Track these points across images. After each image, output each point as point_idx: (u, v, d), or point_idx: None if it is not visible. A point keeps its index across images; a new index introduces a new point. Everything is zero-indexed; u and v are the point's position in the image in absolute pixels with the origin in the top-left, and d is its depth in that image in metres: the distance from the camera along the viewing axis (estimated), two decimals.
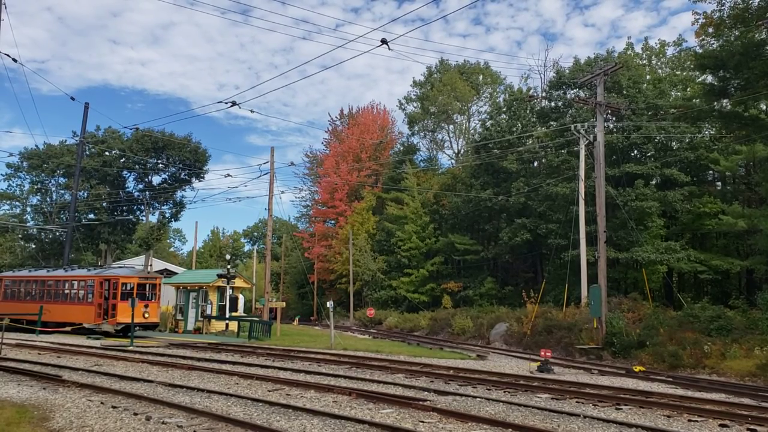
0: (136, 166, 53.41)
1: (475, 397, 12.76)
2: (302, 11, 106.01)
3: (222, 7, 74.09)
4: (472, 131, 62.38)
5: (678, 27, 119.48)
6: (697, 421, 11.04)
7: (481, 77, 65.25)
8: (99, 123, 57.61)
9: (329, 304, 28.42)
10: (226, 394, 12.45)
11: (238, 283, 35.96)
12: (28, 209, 58.73)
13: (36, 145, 55.95)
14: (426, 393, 13.24)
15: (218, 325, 34.12)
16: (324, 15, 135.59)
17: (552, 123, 42.36)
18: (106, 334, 29.65)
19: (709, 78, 29.06)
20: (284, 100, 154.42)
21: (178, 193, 55.84)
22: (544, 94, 46.56)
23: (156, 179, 56.14)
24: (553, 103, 44.10)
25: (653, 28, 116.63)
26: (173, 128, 57.30)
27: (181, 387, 13.43)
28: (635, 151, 37.48)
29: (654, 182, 36.10)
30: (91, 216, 52.83)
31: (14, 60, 24.20)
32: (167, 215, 56.50)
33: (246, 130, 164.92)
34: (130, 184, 56.57)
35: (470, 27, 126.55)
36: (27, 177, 57.44)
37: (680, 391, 15.12)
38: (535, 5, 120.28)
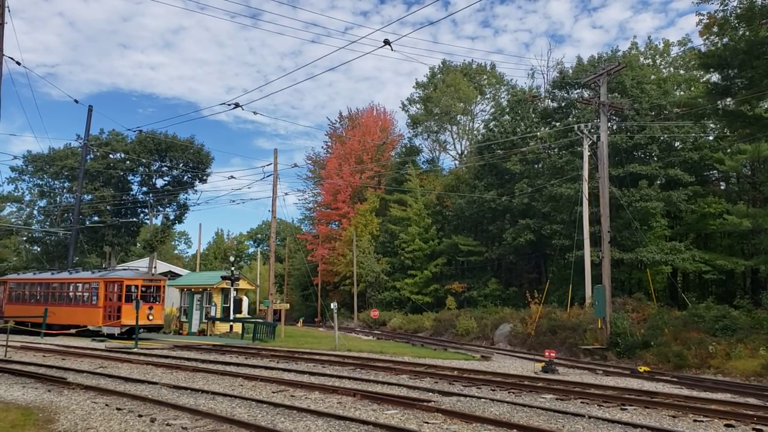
0: (140, 169, 53.46)
1: (480, 397, 12.74)
2: (311, 15, 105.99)
3: (232, 11, 74.28)
4: (475, 132, 62.33)
5: (685, 28, 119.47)
6: (702, 421, 11.01)
7: (485, 78, 65.20)
8: (107, 126, 57.75)
9: (333, 305, 28.40)
10: (231, 396, 12.47)
11: (242, 284, 36.04)
12: (34, 212, 58.87)
13: (41, 151, 56.06)
14: (430, 394, 13.23)
15: (222, 327, 34.20)
16: (333, 18, 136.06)
17: (555, 123, 42.28)
18: (111, 336, 29.74)
19: (714, 78, 28.96)
20: (292, 103, 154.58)
21: (182, 196, 55.86)
22: (547, 95, 46.48)
23: (159, 182, 56.19)
24: (556, 104, 44.02)
25: (661, 29, 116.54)
26: (182, 132, 57.34)
27: (186, 389, 13.45)
28: (639, 152, 37.36)
29: (658, 182, 36.00)
30: (96, 218, 52.92)
31: (18, 63, 24.21)
32: (171, 217, 56.51)
33: (254, 134, 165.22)
34: (135, 186, 56.64)
35: (478, 29, 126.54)
36: (31, 180, 57.60)
37: (685, 392, 15.08)
38: (544, 7, 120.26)
